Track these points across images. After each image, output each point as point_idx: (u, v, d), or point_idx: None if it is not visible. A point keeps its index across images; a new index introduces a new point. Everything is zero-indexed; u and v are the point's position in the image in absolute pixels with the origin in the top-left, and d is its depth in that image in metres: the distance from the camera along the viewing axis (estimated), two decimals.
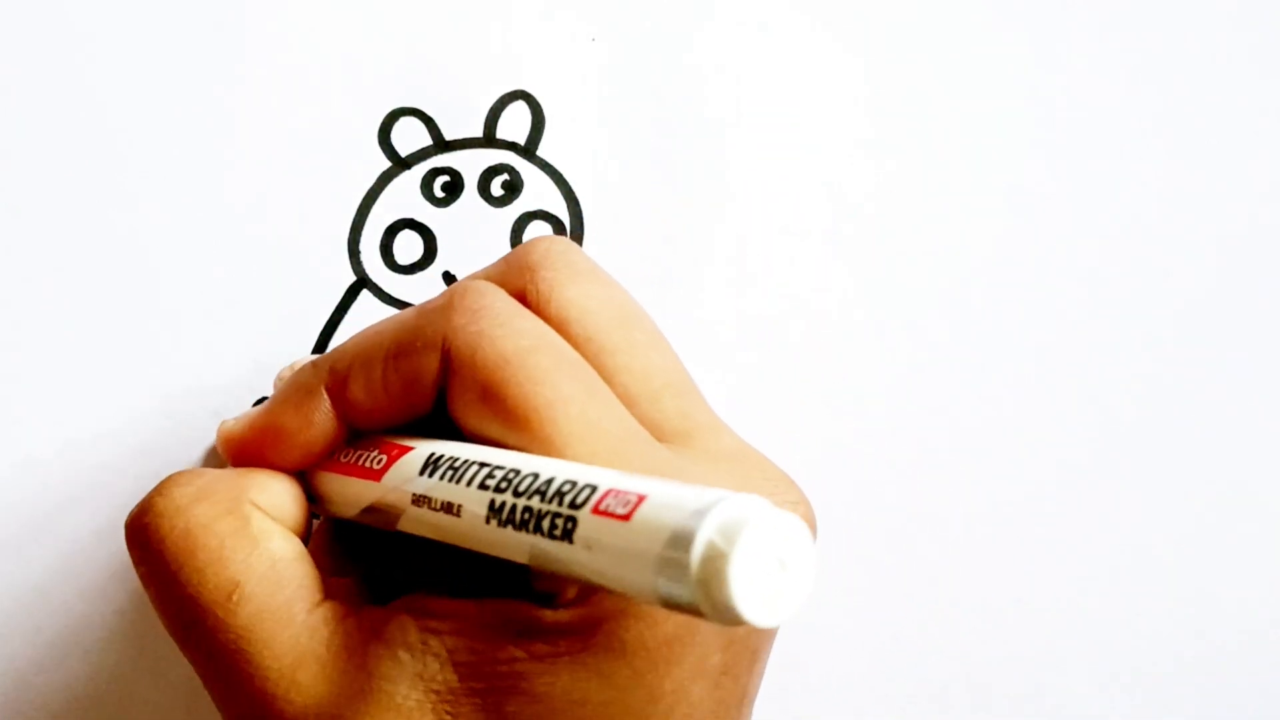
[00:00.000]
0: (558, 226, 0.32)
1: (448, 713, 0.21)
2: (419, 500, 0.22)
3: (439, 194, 0.31)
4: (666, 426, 0.24)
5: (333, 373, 0.24)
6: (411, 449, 0.22)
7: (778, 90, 0.32)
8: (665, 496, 0.17)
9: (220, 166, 0.31)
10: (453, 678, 0.21)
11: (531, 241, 0.25)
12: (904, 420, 0.32)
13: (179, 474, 0.24)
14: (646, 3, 0.32)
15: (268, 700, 0.22)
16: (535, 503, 0.19)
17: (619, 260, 0.31)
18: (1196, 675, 0.32)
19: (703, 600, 0.16)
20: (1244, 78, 0.33)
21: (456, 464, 0.21)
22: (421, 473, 0.22)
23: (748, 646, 0.23)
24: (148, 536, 0.23)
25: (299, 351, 0.31)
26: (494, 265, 0.26)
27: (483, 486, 0.20)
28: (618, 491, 0.17)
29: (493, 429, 0.22)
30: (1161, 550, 0.32)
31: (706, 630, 0.22)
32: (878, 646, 0.31)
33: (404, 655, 0.22)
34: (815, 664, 0.31)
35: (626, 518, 0.17)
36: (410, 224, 0.31)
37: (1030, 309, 0.32)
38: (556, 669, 0.21)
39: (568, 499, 0.18)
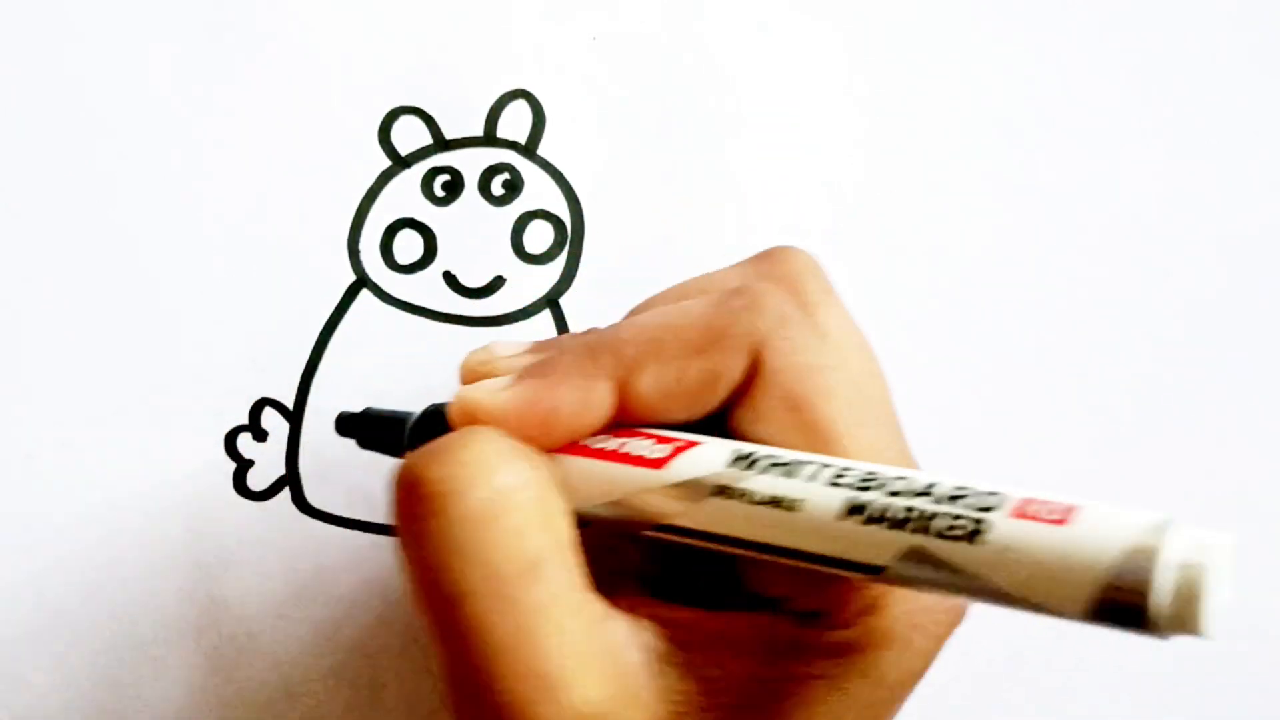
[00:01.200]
0: (558, 226, 0.31)
1: None
2: (723, 491, 0.20)
3: (439, 193, 0.31)
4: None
5: (618, 360, 0.22)
6: (698, 442, 0.21)
7: (777, 90, 0.32)
8: (1100, 510, 0.17)
9: (220, 166, 0.31)
10: (696, 691, 0.21)
11: (782, 251, 0.24)
12: (903, 420, 0.32)
13: (479, 431, 0.21)
14: (646, 3, 0.32)
15: (550, 691, 0.20)
16: (922, 504, 0.18)
17: (619, 259, 0.31)
18: (1196, 675, 0.32)
19: (1167, 614, 0.16)
20: (1244, 77, 0.33)
21: (784, 460, 0.20)
22: (733, 465, 0.20)
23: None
24: (444, 491, 0.20)
25: (299, 351, 0.31)
26: (741, 267, 0.24)
27: (834, 484, 0.19)
28: (1039, 500, 0.18)
29: (790, 438, 0.21)
30: None
31: (925, 672, 0.21)
32: None
33: (655, 663, 0.21)
34: None
35: (1061, 522, 0.17)
36: (410, 223, 0.31)
37: (1030, 309, 0.32)
38: (814, 690, 0.21)
39: (973, 502, 0.18)
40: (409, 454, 0.21)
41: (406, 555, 0.21)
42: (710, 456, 0.21)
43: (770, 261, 0.24)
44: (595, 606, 0.21)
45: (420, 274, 0.31)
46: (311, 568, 0.30)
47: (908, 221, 0.32)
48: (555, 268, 0.31)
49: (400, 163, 0.31)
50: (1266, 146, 0.33)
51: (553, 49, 0.32)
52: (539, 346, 0.24)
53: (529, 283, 0.31)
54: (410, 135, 0.31)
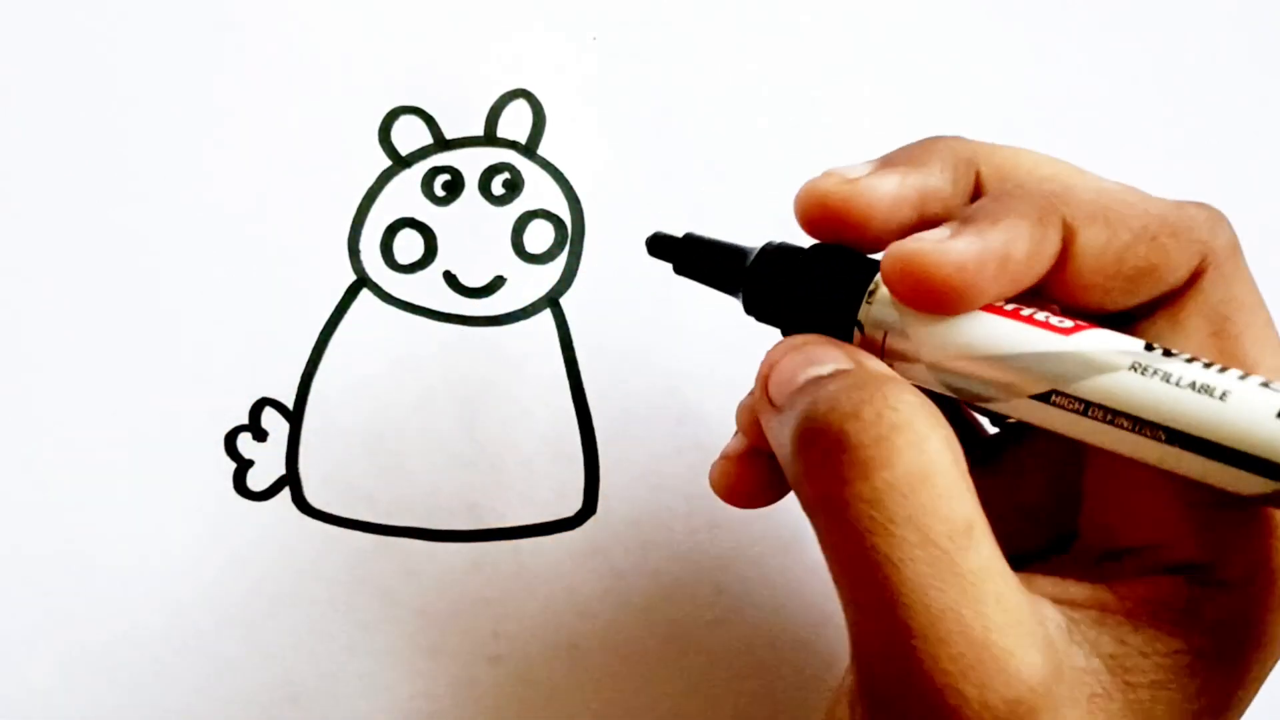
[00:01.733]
0: (558, 225, 0.31)
1: (1101, 705, 0.19)
2: (1138, 368, 0.19)
3: (439, 193, 0.31)
4: None
5: (1072, 210, 0.20)
6: (1095, 324, 0.20)
7: (777, 90, 0.32)
8: None
9: (220, 166, 0.31)
10: (1102, 671, 0.20)
11: (1210, 208, 0.22)
12: None
13: (896, 386, 0.19)
14: (646, 3, 0.32)
15: (994, 659, 0.18)
16: None
17: (619, 259, 0.31)
18: None
19: None
20: (1244, 77, 0.33)
21: (1206, 361, 0.19)
22: (1150, 351, 0.19)
23: None
24: (873, 455, 0.19)
25: (299, 351, 0.31)
26: (1187, 201, 0.22)
27: (1265, 385, 0.18)
28: None
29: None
30: None
31: None
32: None
33: (1062, 646, 0.19)
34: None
35: None
36: (411, 223, 0.31)
37: None
38: (1219, 663, 0.19)
39: None
40: (818, 407, 0.19)
41: (826, 520, 0.20)
42: (1123, 340, 0.20)
43: (1210, 208, 0.22)
44: (1016, 578, 0.19)
45: (420, 274, 0.31)
46: (311, 568, 0.30)
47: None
48: (555, 267, 0.31)
49: (400, 162, 0.31)
50: (1267, 146, 0.33)
51: (553, 49, 0.32)
52: (892, 160, 0.22)
53: (529, 282, 0.31)
54: (410, 135, 0.31)
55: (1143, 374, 0.19)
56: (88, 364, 0.30)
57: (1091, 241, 0.20)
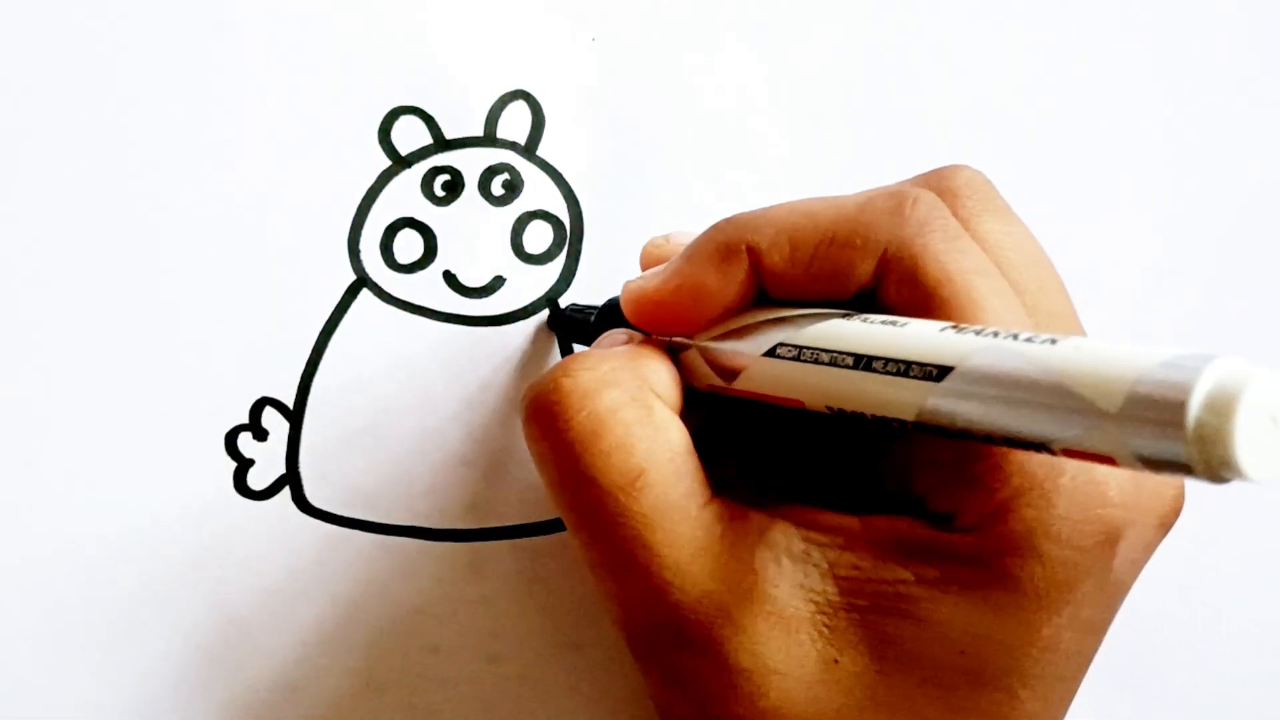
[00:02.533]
0: (558, 226, 0.32)
1: (825, 625, 0.22)
2: (846, 317, 0.22)
3: (439, 193, 0.31)
4: None
5: (756, 238, 0.23)
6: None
7: (777, 90, 0.32)
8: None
9: (220, 165, 0.31)
10: (833, 591, 0.22)
11: (951, 168, 0.25)
12: None
13: (581, 356, 0.24)
14: (646, 3, 0.32)
15: (662, 589, 0.22)
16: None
17: (619, 259, 0.31)
18: (1197, 675, 0.32)
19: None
20: (1244, 76, 0.33)
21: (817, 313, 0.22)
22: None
23: (1112, 605, 0.23)
24: (553, 416, 0.23)
25: (299, 351, 0.31)
26: (909, 182, 0.25)
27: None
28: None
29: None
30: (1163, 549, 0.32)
31: (1088, 583, 0.21)
32: None
33: (787, 562, 0.22)
34: None
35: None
36: (410, 223, 0.31)
37: None
38: (945, 595, 0.21)
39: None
40: (531, 382, 0.24)
41: (538, 470, 0.24)
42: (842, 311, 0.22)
43: (936, 176, 0.24)
44: (714, 509, 0.23)
45: (420, 273, 0.31)
46: (311, 568, 0.30)
47: None
48: (555, 267, 0.32)
49: (400, 162, 0.31)
50: (1267, 145, 0.33)
51: (553, 49, 0.32)
52: (669, 267, 0.25)
53: (529, 282, 0.31)
54: (410, 135, 0.31)
55: (846, 319, 0.22)
56: (88, 363, 0.30)
57: (777, 260, 0.23)
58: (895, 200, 0.23)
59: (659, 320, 0.25)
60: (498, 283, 0.31)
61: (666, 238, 0.28)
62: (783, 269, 0.23)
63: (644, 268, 0.28)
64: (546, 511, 0.31)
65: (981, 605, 0.21)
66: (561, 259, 0.32)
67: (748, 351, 0.23)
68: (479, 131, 0.32)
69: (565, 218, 0.32)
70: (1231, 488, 0.16)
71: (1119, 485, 0.21)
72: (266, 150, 0.31)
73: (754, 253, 0.23)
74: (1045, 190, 0.32)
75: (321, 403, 0.31)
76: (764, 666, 0.22)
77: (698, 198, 0.32)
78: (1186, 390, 0.16)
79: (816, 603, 0.22)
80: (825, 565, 0.22)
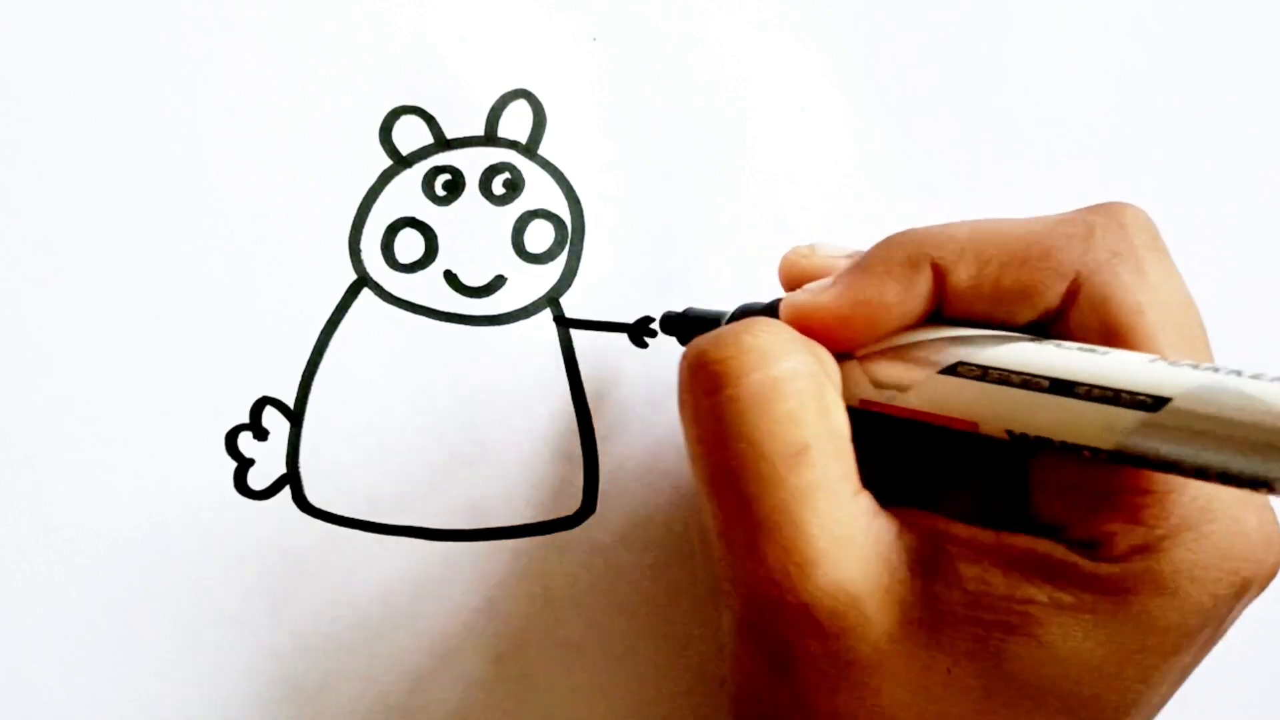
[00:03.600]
0: (559, 225, 0.32)
1: (945, 633, 0.21)
2: (1034, 340, 0.21)
3: (440, 192, 0.31)
4: None
5: (941, 253, 0.23)
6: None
7: (778, 89, 0.32)
8: None
9: (221, 165, 0.31)
10: (959, 601, 0.21)
11: (1119, 204, 0.24)
12: None
13: (764, 321, 0.23)
14: (646, 3, 0.32)
15: (802, 568, 0.21)
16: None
17: (619, 259, 0.31)
18: (1197, 674, 0.32)
19: None
20: (1243, 75, 0.33)
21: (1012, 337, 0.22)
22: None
23: (1208, 652, 0.23)
24: (725, 372, 0.22)
25: (299, 351, 0.31)
26: (1080, 212, 0.24)
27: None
28: None
29: None
30: None
31: (1208, 630, 0.21)
32: None
33: (918, 567, 0.22)
34: None
35: None
36: (411, 222, 0.31)
37: None
38: (1075, 622, 0.21)
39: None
40: (698, 337, 0.23)
41: (687, 429, 0.23)
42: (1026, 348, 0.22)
43: (1104, 210, 0.24)
44: (862, 500, 0.22)
45: (421, 273, 0.31)
46: (311, 567, 0.30)
47: (907, 221, 0.32)
48: (556, 267, 0.32)
49: (401, 162, 0.31)
50: (1268, 145, 0.33)
51: (553, 49, 0.32)
52: (859, 255, 0.25)
53: (530, 282, 0.31)
54: (411, 135, 0.31)
55: (1037, 343, 0.21)
56: (88, 363, 0.30)
57: (963, 276, 0.23)
58: (1085, 227, 0.22)
59: (829, 334, 0.24)
60: (498, 282, 0.31)
61: (811, 248, 0.27)
62: (968, 287, 0.23)
63: (786, 278, 0.27)
64: (546, 511, 0.31)
65: (1110, 638, 0.21)
66: (563, 258, 0.32)
67: (921, 368, 0.23)
68: (480, 131, 0.32)
69: (566, 217, 0.32)
70: None
71: (1260, 537, 0.21)
72: (267, 150, 0.31)
73: (938, 269, 0.23)
74: (1041, 192, 0.32)
75: (321, 403, 0.31)
76: (881, 665, 0.21)
77: (699, 197, 0.32)
78: None
79: (940, 611, 0.21)
80: (955, 575, 0.22)
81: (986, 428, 0.22)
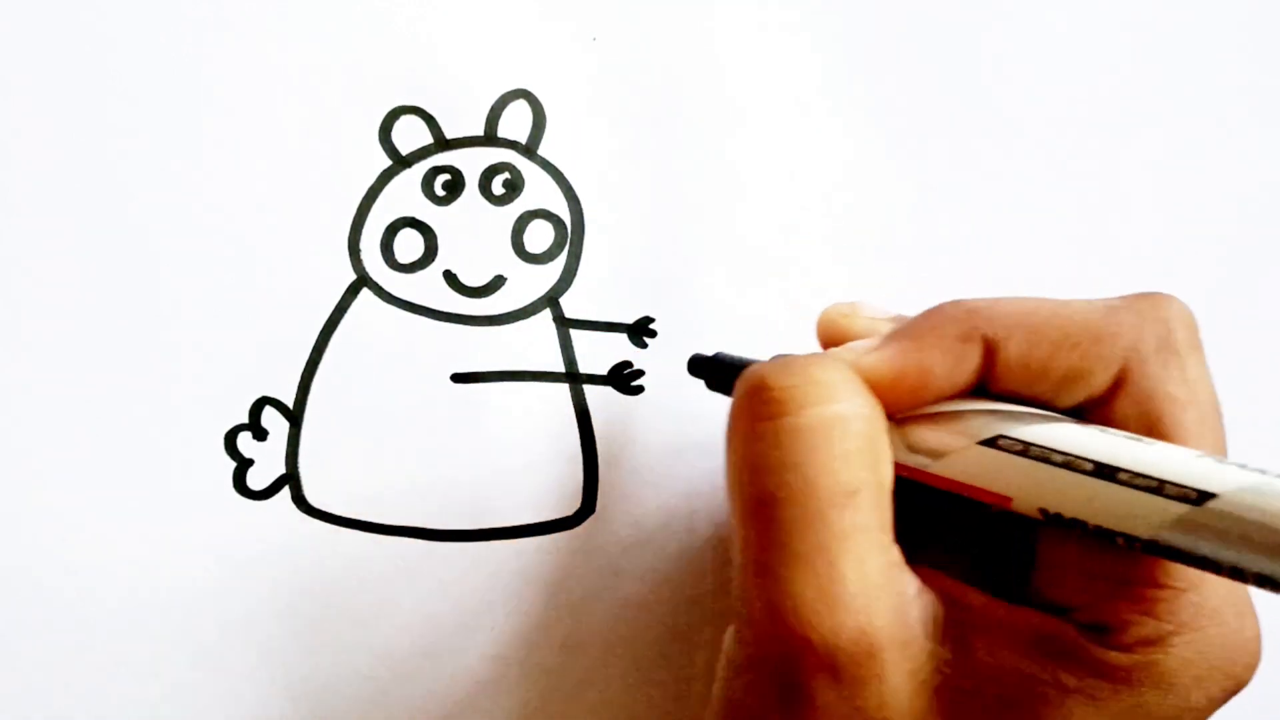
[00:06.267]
0: (558, 225, 0.31)
1: (950, 699, 0.21)
2: (1078, 423, 0.21)
3: (440, 192, 0.31)
4: None
5: (992, 326, 0.23)
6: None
7: (777, 90, 0.32)
8: None
9: (220, 165, 0.31)
10: (967, 669, 0.22)
11: (1165, 296, 0.24)
12: None
13: (830, 358, 0.23)
14: (646, 3, 0.32)
15: (834, 608, 0.21)
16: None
17: (619, 259, 0.31)
18: None
19: None
20: (1243, 75, 0.33)
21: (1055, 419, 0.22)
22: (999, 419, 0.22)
23: None
24: (787, 399, 0.22)
25: (299, 351, 0.31)
26: (1126, 299, 0.24)
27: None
28: None
29: None
30: None
31: None
32: None
33: (934, 628, 0.22)
34: None
35: None
36: (411, 222, 0.31)
37: None
38: (1077, 705, 0.21)
39: None
40: (759, 363, 0.23)
41: (734, 451, 0.22)
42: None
43: (1151, 301, 0.24)
44: (894, 553, 0.22)
45: (421, 273, 0.31)
46: (311, 568, 0.30)
47: (907, 221, 0.32)
48: (555, 267, 0.31)
49: (401, 162, 0.31)
50: (1267, 145, 0.33)
51: (553, 49, 0.32)
52: (904, 320, 0.25)
53: (529, 282, 0.31)
54: (411, 135, 0.31)
55: (1082, 426, 0.21)
56: (88, 363, 0.30)
57: (1013, 353, 0.23)
58: (1135, 315, 0.23)
59: (879, 397, 0.23)
60: (498, 282, 0.31)
61: (853, 306, 0.27)
62: (1017, 364, 0.23)
63: (825, 335, 0.27)
64: (546, 511, 0.31)
65: None
66: (562, 258, 0.32)
67: (960, 437, 0.23)
68: (480, 131, 0.32)
69: (566, 217, 0.32)
70: None
71: (1253, 643, 0.22)
72: (267, 150, 0.31)
73: (989, 343, 0.23)
74: (1041, 192, 0.32)
75: (321, 403, 0.31)
76: (886, 718, 0.21)
77: (699, 197, 0.32)
78: None
79: (950, 677, 0.22)
80: (967, 644, 0.22)
81: (1020, 504, 0.22)
